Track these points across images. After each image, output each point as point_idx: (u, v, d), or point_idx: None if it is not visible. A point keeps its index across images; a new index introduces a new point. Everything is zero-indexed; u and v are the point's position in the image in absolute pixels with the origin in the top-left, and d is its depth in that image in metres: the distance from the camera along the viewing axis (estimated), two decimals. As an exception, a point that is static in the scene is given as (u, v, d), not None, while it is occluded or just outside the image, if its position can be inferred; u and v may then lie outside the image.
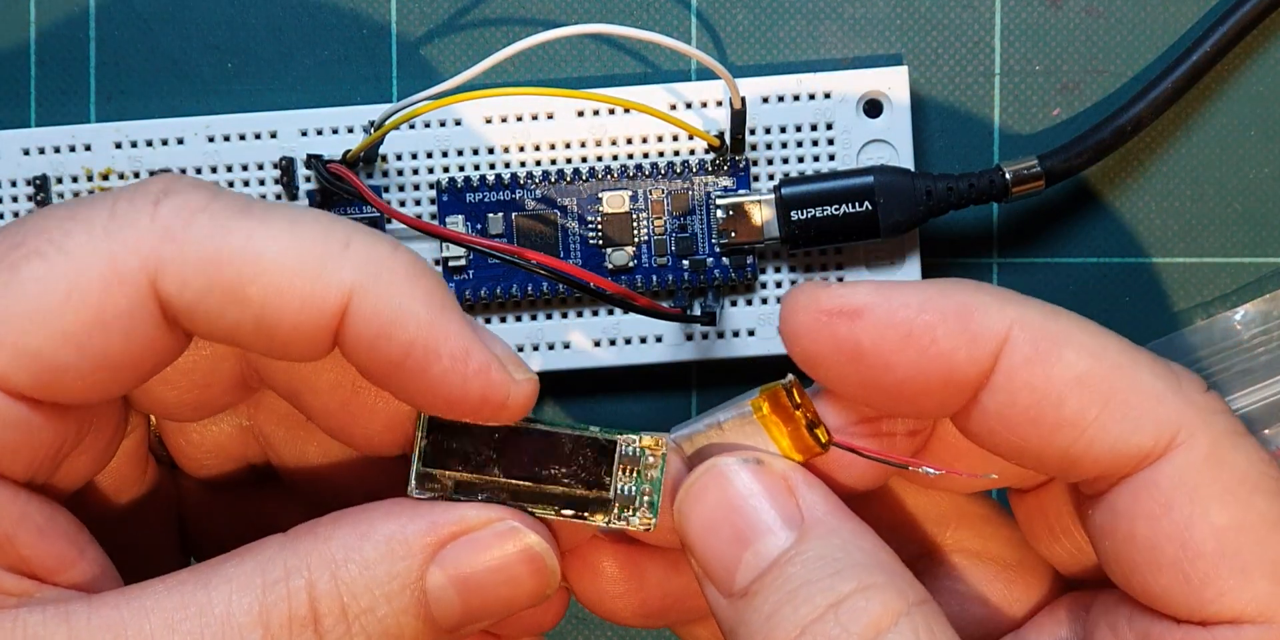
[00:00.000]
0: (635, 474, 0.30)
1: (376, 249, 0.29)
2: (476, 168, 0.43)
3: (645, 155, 0.42)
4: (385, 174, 0.43)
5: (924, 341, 0.29)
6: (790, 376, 0.31)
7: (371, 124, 0.42)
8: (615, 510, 0.31)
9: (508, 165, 0.42)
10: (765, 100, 0.42)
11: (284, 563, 0.28)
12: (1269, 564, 0.27)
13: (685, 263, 0.42)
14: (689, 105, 0.42)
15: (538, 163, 0.42)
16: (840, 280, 0.42)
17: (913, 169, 0.42)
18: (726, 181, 0.42)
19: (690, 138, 0.42)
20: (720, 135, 0.42)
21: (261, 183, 0.43)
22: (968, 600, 0.33)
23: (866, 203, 0.41)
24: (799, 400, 0.31)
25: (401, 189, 0.43)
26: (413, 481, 0.31)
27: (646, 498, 0.30)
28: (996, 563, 0.33)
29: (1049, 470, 0.29)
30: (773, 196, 0.41)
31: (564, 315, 0.43)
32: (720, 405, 0.32)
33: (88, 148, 0.42)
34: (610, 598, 0.33)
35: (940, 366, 0.29)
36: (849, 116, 0.42)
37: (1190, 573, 0.28)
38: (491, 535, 0.29)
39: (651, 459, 0.30)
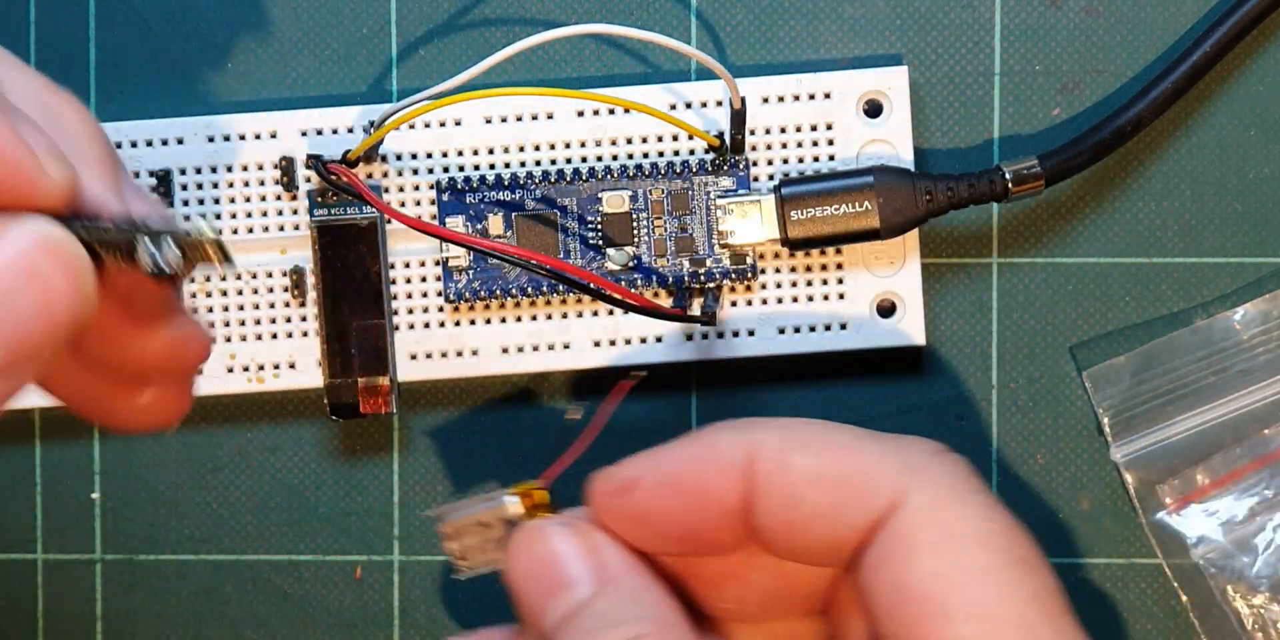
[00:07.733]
0: None
1: None
2: (476, 168, 0.43)
3: (645, 155, 0.42)
4: (385, 174, 0.43)
5: (689, 489, 0.32)
6: (541, 481, 0.34)
7: (371, 124, 0.42)
8: None
9: (508, 165, 0.42)
10: (765, 100, 0.42)
11: None
12: (969, 607, 0.29)
13: (685, 263, 0.42)
14: (689, 105, 0.42)
15: (538, 163, 0.42)
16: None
17: (913, 169, 0.42)
18: (726, 181, 0.42)
19: (690, 138, 0.42)
20: (720, 135, 0.42)
21: (261, 183, 0.43)
22: None
23: (866, 203, 0.41)
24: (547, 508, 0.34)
25: (401, 189, 0.43)
26: None
27: None
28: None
29: (828, 560, 0.32)
30: (773, 196, 0.41)
31: (564, 315, 0.43)
32: (480, 496, 0.34)
33: (88, 148, 0.42)
34: None
35: (707, 504, 0.31)
36: (849, 116, 0.42)
37: (901, 616, 0.30)
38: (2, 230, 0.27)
39: None
